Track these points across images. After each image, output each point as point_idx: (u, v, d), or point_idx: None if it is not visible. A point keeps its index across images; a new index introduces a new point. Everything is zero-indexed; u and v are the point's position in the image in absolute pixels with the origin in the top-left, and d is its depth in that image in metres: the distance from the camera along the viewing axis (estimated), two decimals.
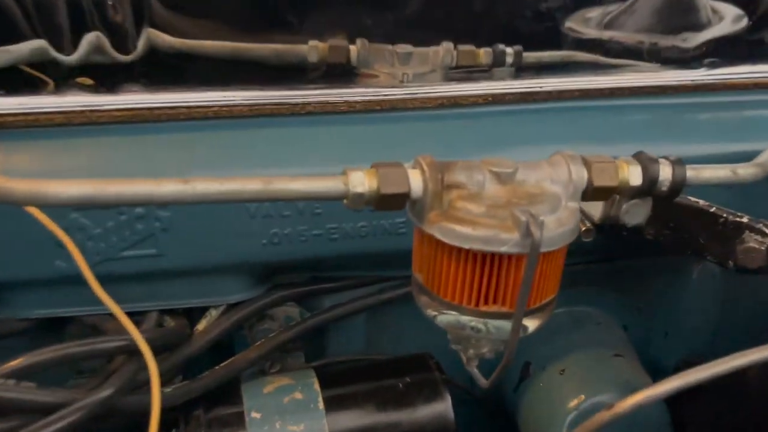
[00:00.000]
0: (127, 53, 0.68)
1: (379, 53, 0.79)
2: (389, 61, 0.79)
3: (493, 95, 0.75)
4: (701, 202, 0.72)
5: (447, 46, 0.79)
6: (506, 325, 0.56)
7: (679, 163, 0.60)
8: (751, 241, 0.69)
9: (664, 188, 0.60)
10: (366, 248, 0.74)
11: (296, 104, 0.71)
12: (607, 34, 0.81)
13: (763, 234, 0.69)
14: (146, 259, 0.69)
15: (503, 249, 0.52)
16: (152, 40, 0.68)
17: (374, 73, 0.77)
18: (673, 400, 0.83)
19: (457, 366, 0.74)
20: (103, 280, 0.69)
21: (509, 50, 0.79)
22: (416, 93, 0.73)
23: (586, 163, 0.58)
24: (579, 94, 0.76)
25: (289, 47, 0.75)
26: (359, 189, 0.53)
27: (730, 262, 0.71)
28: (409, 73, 0.79)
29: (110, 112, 0.68)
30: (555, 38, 0.79)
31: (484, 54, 0.80)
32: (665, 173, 0.59)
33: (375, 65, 0.79)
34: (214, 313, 0.75)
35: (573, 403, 0.80)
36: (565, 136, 0.76)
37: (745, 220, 0.69)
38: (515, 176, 0.56)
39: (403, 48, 0.79)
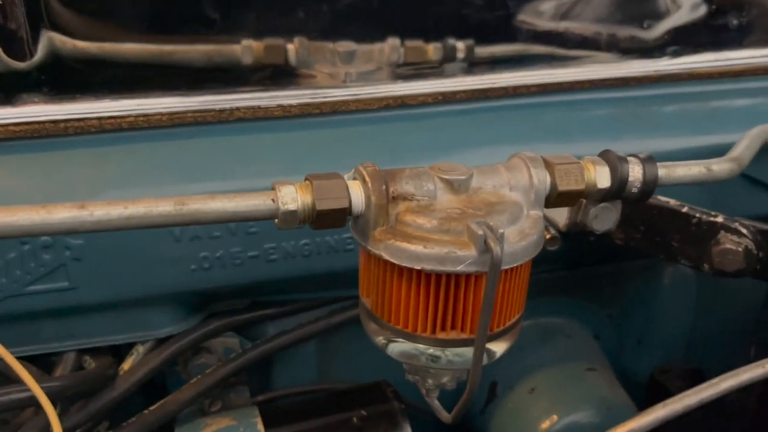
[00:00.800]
0: (23, 59, 0.59)
1: (320, 52, 0.72)
2: (330, 60, 0.71)
3: (444, 93, 0.68)
4: (672, 201, 0.66)
5: (393, 42, 0.72)
6: (467, 352, 0.49)
7: (650, 161, 0.54)
8: (727, 242, 0.63)
9: (635, 189, 0.54)
10: (310, 269, 0.66)
11: (223, 110, 0.63)
12: (562, 26, 0.75)
13: (739, 234, 0.63)
14: (57, 293, 0.60)
15: (459, 268, 0.45)
16: (53, 43, 0.59)
17: (314, 74, 0.70)
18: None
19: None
20: (8, 319, 0.60)
21: (460, 45, 0.72)
22: (359, 93, 0.66)
23: (548, 166, 0.51)
24: (536, 89, 0.70)
25: (218, 48, 0.67)
26: (291, 206, 0.45)
27: (705, 265, 0.65)
28: (353, 73, 0.71)
29: (7, 126, 0.59)
30: (508, 31, 0.73)
31: (433, 49, 0.73)
32: (635, 173, 0.53)
33: (315, 65, 0.71)
34: (141, 349, 0.66)
35: (545, 424, 0.74)
36: (522, 135, 0.70)
37: (719, 219, 0.64)
38: (470, 183, 0.50)
39: (345, 46, 0.71)
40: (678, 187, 0.57)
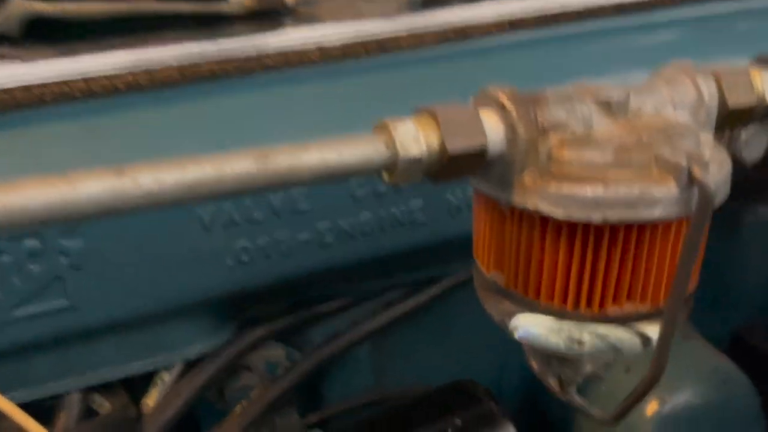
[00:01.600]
0: None
1: None
2: None
3: (511, 21, 0.55)
4: None
5: None
6: (649, 329, 0.37)
7: None
8: None
9: None
10: (372, 250, 0.53)
11: (249, 58, 0.49)
12: None
13: None
14: (53, 316, 0.45)
15: (657, 212, 0.33)
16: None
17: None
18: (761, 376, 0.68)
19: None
20: None
21: None
22: (412, 27, 0.53)
23: (715, 77, 0.39)
24: (611, 11, 0.58)
25: None
26: (414, 151, 0.32)
27: None
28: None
29: None
30: None
31: None
32: None
33: None
34: (166, 377, 0.51)
35: (652, 407, 0.63)
36: (599, 65, 0.58)
37: None
38: (629, 105, 0.37)
39: None
40: None
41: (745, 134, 0.45)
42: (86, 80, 0.46)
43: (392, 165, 0.32)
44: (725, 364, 0.66)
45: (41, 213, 0.26)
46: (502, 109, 0.34)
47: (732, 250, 0.76)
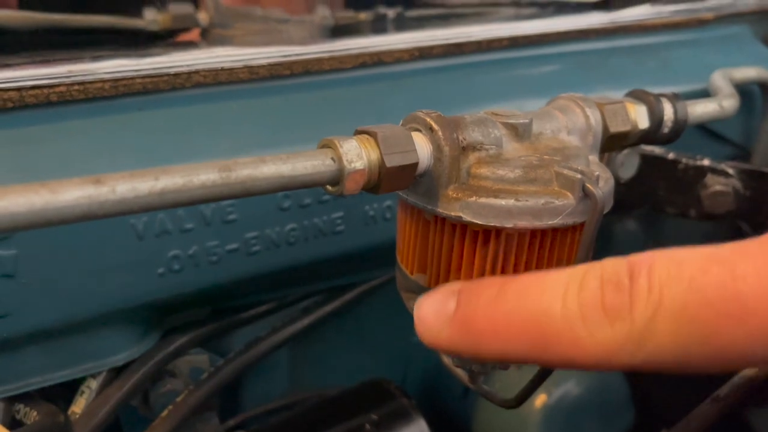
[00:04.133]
0: None
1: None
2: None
3: (420, 49, 0.61)
4: (656, 149, 0.65)
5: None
6: None
7: (678, 99, 0.51)
8: (716, 184, 0.63)
9: (666, 130, 0.51)
10: (296, 258, 0.56)
11: (179, 75, 0.51)
12: None
13: (726, 175, 0.64)
14: None
15: (557, 220, 0.39)
16: None
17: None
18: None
19: None
20: None
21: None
22: (334, 50, 0.57)
23: (599, 107, 0.47)
24: (507, 43, 0.66)
25: None
26: (358, 164, 0.36)
27: (692, 211, 0.65)
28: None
29: None
30: None
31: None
32: (668, 112, 0.51)
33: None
34: (93, 384, 0.52)
35: (540, 400, 0.70)
36: (497, 91, 0.65)
37: (705, 162, 0.64)
38: (532, 128, 0.43)
39: None
40: None
41: (621, 157, 0.53)
42: (19, 89, 0.47)
43: (338, 177, 0.36)
44: None
45: (22, 219, 0.28)
46: (430, 130, 0.39)
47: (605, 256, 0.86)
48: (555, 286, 0.32)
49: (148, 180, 0.31)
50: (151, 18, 0.59)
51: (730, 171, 0.63)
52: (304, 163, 0.35)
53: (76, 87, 0.48)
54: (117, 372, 0.53)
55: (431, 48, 0.61)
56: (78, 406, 0.51)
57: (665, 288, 0.28)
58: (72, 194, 0.29)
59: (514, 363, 0.35)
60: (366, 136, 0.38)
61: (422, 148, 0.39)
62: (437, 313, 0.36)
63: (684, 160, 0.64)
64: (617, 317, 0.29)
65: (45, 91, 0.47)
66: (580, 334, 0.30)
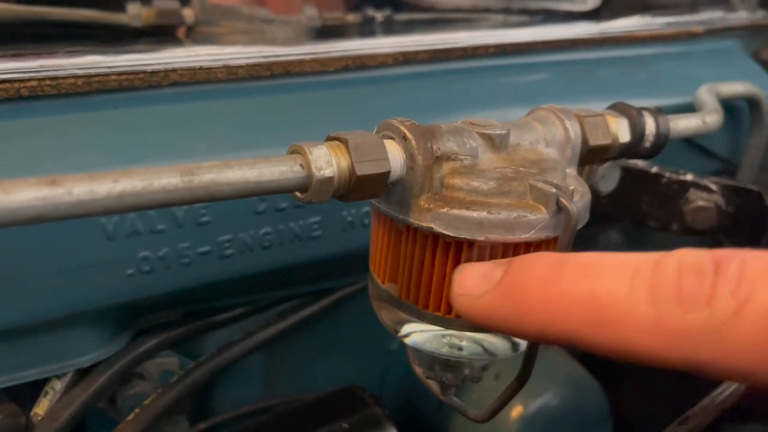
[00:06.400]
0: None
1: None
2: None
3: (405, 54, 0.60)
4: (640, 162, 0.64)
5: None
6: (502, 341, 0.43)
7: (660, 113, 0.51)
8: (699, 199, 0.63)
9: (648, 144, 0.50)
10: (270, 263, 0.55)
11: (156, 72, 0.50)
12: None
13: (709, 190, 0.63)
14: None
15: (530, 235, 0.38)
16: None
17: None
18: (609, 382, 0.76)
19: None
20: None
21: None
22: (316, 52, 0.56)
23: (579, 119, 0.46)
24: (494, 50, 0.65)
25: None
26: (327, 172, 0.35)
27: (674, 225, 0.64)
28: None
29: None
30: None
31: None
32: (650, 126, 0.50)
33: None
34: (58, 386, 0.51)
35: (517, 411, 0.69)
36: (482, 98, 0.64)
37: (689, 177, 0.63)
38: (509, 139, 0.43)
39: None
40: None
41: (602, 170, 0.53)
42: None
43: (307, 185, 0.35)
44: (579, 370, 0.74)
45: None
46: (403, 139, 0.38)
47: None
48: (622, 267, 0.30)
49: (107, 183, 0.30)
50: (134, 13, 0.58)
51: (713, 187, 0.63)
52: (272, 169, 0.34)
53: (48, 82, 0.47)
54: (84, 373, 0.52)
55: (416, 53, 0.61)
56: (41, 408, 0.50)
57: (759, 284, 0.26)
58: (25, 195, 0.28)
59: (554, 341, 0.32)
60: (337, 142, 0.37)
61: (395, 156, 0.38)
62: (482, 276, 0.35)
63: (667, 174, 0.64)
64: (694, 305, 0.27)
65: (16, 85, 0.46)
66: (647, 317, 0.28)
